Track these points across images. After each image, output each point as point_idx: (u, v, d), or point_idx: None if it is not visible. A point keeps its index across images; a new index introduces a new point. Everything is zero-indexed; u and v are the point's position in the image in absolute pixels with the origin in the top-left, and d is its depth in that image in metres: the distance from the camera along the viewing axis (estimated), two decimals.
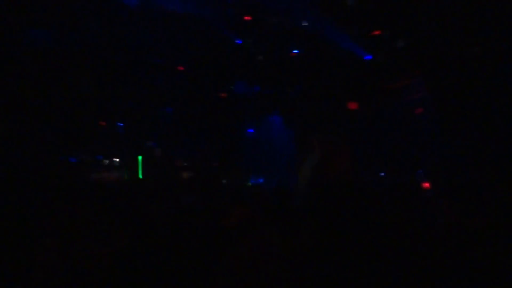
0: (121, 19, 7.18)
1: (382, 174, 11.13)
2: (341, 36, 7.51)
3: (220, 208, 4.43)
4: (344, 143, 6.90)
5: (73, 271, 2.97)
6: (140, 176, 8.32)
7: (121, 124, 10.29)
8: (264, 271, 2.94)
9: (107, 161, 9.09)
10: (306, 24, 7.52)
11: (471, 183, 2.98)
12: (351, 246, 2.57)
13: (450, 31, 7.41)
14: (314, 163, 6.32)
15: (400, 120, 10.35)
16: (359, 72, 8.31)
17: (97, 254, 3.19)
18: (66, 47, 6.47)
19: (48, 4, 6.00)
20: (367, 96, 8.53)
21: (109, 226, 3.62)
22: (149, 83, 8.42)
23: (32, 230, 3.33)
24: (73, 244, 3.10)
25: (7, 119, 5.48)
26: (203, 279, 3.00)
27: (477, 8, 6.68)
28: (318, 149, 6.53)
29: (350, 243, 2.64)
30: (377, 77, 8.63)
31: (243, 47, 7.33)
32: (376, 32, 6.73)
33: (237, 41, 7.04)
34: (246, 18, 6.53)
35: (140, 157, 8.59)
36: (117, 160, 9.08)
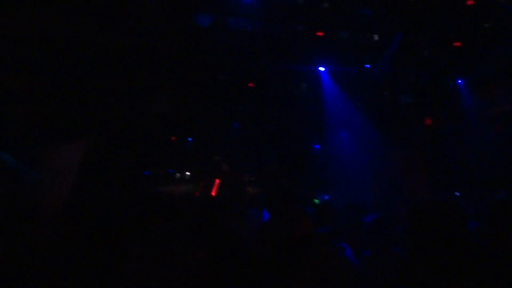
0: (194, 37, 7.46)
1: (457, 193, 10.48)
2: (414, 48, 7.26)
3: (290, 222, 4.38)
4: (422, 159, 6.57)
5: (163, 279, 3.06)
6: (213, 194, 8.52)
7: (190, 139, 10.64)
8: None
9: (178, 175, 9.43)
10: (378, 38, 7.37)
11: None
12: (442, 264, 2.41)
13: None
14: (391, 180, 6.08)
15: (478, 136, 9.73)
16: (434, 86, 7.97)
17: (182, 263, 3.26)
18: (143, 65, 6.82)
19: (125, 25, 6.37)
20: (443, 111, 8.13)
21: (189, 237, 3.70)
22: (219, 99, 8.64)
23: (123, 239, 3.48)
24: (162, 253, 3.19)
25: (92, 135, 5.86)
26: None
27: None
28: (394, 166, 6.29)
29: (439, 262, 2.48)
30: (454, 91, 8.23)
31: (310, 62, 7.31)
32: (457, 44, 6.42)
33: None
34: (318, 34, 6.53)
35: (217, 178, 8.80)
36: (188, 173, 9.37)
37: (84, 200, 4.63)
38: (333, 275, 2.98)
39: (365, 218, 4.14)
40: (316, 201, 11.39)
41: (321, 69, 7.63)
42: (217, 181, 9.13)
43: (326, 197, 12.13)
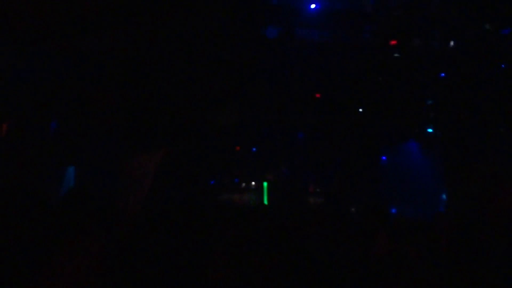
0: (262, 49, 7.54)
1: None
2: (495, 56, 6.80)
3: (362, 236, 4.21)
4: (508, 173, 6.06)
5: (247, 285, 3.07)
6: (265, 202, 8.50)
7: (254, 149, 10.72)
8: None
9: (243, 184, 9.53)
10: (453, 44, 7.00)
11: None
12: None
13: None
14: (471, 198, 5.67)
15: None
16: None
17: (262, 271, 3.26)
18: (212, 77, 6.99)
19: (197, 39, 6.56)
20: None
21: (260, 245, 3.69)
22: (285, 109, 8.65)
23: (207, 248, 3.55)
24: (243, 261, 3.21)
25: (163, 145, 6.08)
26: None
27: None
28: (474, 181, 5.87)
29: None
30: None
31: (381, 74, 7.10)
32: None
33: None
34: (392, 42, 6.32)
35: (265, 184, 8.77)
36: (253, 183, 9.44)
37: (158, 205, 4.80)
38: None
39: None
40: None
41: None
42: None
43: (393, 210, 11.67)
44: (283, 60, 7.73)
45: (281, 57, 7.64)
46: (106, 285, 2.28)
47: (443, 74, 7.02)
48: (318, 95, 8.12)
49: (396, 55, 6.38)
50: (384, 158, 12.33)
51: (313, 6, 7.13)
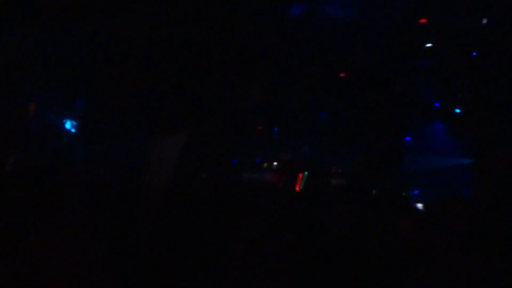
0: (286, 27, 7.41)
1: None
2: None
3: (386, 221, 4.16)
4: None
5: (260, 276, 3.10)
6: (302, 187, 8.50)
7: (276, 129, 10.70)
8: None
9: (265, 164, 9.54)
10: (486, 22, 6.71)
11: None
12: None
13: None
14: (500, 182, 5.54)
15: None
16: None
17: (278, 259, 3.27)
18: (237, 58, 6.93)
19: (221, 21, 6.50)
20: None
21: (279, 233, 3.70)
22: (310, 89, 8.56)
23: (221, 238, 3.58)
24: (257, 250, 3.23)
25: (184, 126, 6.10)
26: None
27: None
28: (505, 165, 5.72)
29: None
30: None
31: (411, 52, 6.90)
32: None
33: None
34: (421, 21, 6.11)
35: (306, 173, 8.74)
36: (275, 163, 9.44)
37: (183, 190, 4.86)
38: None
39: None
40: (404, 194, 10.89)
41: None
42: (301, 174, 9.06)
43: (416, 192, 11.55)
44: (308, 39, 7.59)
45: (306, 36, 7.50)
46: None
47: (474, 54, 6.78)
48: (342, 75, 7.99)
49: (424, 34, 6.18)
50: (408, 138, 12.15)
51: None
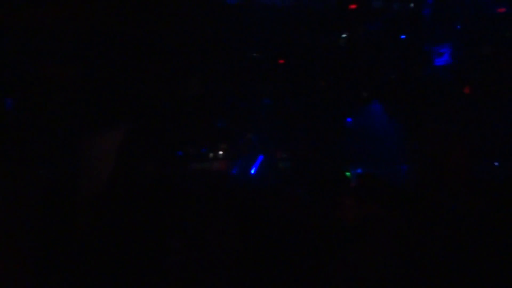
0: (221, 14, 7.37)
1: (497, 163, 10.17)
2: (452, 17, 6.92)
3: (331, 199, 4.30)
4: (462, 132, 6.31)
5: (203, 272, 3.09)
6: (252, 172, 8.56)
7: (220, 118, 10.65)
8: (381, 276, 2.77)
9: (211, 154, 9.52)
10: (413, 6, 7.05)
11: None
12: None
13: None
14: (428, 158, 5.88)
15: None
16: (473, 52, 7.61)
17: (223, 254, 3.28)
18: (175, 48, 6.81)
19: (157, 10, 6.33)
20: (483, 79, 7.78)
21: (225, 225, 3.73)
22: (250, 76, 8.58)
23: (161, 233, 3.53)
24: (201, 245, 3.22)
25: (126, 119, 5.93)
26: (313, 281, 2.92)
27: None
28: (431, 140, 6.07)
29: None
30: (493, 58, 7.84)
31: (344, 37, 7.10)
32: (501, 10, 6.07)
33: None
34: (351, 6, 6.30)
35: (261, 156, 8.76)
36: (221, 152, 9.44)
37: (124, 185, 4.72)
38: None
39: None
40: (348, 174, 11.28)
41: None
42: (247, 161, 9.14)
43: (359, 170, 12.00)
44: (245, 26, 7.59)
45: (243, 23, 7.50)
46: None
47: (403, 36, 7.12)
48: (281, 61, 8.09)
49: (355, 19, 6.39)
50: (349, 119, 12.55)
51: None
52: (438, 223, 3.79)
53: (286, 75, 8.60)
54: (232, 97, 9.36)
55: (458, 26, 6.58)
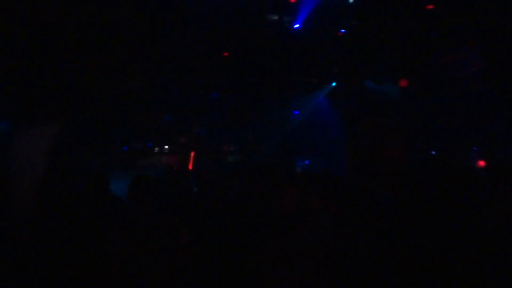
0: (161, 6, 7.19)
1: (433, 152, 10.73)
2: (389, 11, 7.16)
3: (272, 191, 4.38)
4: (396, 124, 6.62)
5: (144, 262, 3.05)
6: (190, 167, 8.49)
7: (167, 112, 10.47)
8: (315, 263, 2.86)
9: (157, 148, 9.35)
10: (352, 1, 7.21)
11: None
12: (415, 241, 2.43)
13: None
14: (365, 147, 6.13)
15: (452, 97, 9.86)
16: (409, 48, 7.94)
17: (165, 246, 3.25)
18: (115, 40, 6.58)
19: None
20: (418, 73, 8.15)
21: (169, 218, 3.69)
22: (194, 70, 8.47)
23: (104, 222, 3.44)
24: (144, 236, 3.17)
25: (61, 114, 5.69)
26: (251, 268, 2.97)
27: None
28: (370, 132, 6.33)
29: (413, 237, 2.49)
30: (428, 52, 8.22)
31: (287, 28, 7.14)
32: (430, 6, 6.37)
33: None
34: (291, 0, 6.36)
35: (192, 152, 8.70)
36: (166, 147, 9.30)
37: (60, 183, 4.55)
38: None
39: None
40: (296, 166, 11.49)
41: (296, 26, 7.42)
42: (193, 153, 9.07)
43: (307, 162, 12.27)
44: (188, 18, 7.45)
45: (185, 15, 7.36)
46: None
47: (343, 30, 7.28)
48: (226, 54, 8.04)
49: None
50: (296, 112, 12.77)
51: None
52: (373, 212, 3.95)
53: (232, 69, 8.58)
54: (178, 91, 9.22)
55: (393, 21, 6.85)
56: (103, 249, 3.22)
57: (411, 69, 7.82)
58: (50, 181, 4.20)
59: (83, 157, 6.26)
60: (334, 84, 8.71)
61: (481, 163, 9.17)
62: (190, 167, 8.61)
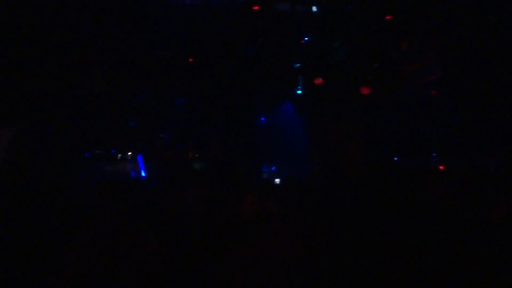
0: (129, 11, 7.12)
1: (396, 158, 11.04)
2: (351, 21, 7.36)
3: (235, 197, 4.39)
4: (357, 130, 6.79)
5: (110, 267, 2.97)
6: (143, 174, 8.36)
7: (133, 118, 10.30)
8: (276, 267, 2.88)
9: (119, 155, 9.16)
10: (316, 10, 7.37)
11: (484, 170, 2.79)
12: (371, 242, 2.49)
13: (464, 10, 7.22)
14: (327, 152, 6.24)
15: (414, 104, 10.20)
16: (371, 56, 8.16)
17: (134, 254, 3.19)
18: (76, 43, 6.45)
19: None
20: (380, 81, 8.39)
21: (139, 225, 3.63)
22: (160, 75, 8.39)
23: (70, 226, 3.34)
24: (110, 241, 3.10)
25: (20, 119, 5.52)
26: (213, 274, 2.97)
27: None
28: (331, 138, 6.46)
29: (369, 238, 2.55)
30: (390, 61, 8.48)
31: (253, 37, 7.21)
32: (388, 17, 6.59)
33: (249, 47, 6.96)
34: (254, 8, 6.42)
35: (140, 156, 8.58)
36: (130, 153, 9.14)
37: (18, 189, 4.39)
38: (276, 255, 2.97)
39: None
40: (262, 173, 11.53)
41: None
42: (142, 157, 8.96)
43: (273, 168, 12.35)
44: (154, 23, 7.40)
45: (151, 19, 7.31)
46: None
47: (307, 38, 7.41)
48: (191, 60, 8.01)
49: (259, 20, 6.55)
50: (263, 119, 12.84)
51: None
52: (332, 215, 4.01)
53: (197, 74, 8.55)
54: (142, 96, 9.10)
55: (355, 30, 7.03)
56: (65, 257, 3.14)
57: (374, 77, 8.04)
58: (4, 187, 4.06)
59: (42, 163, 6.06)
60: (299, 92, 8.85)
61: (441, 167, 9.50)
62: (143, 172, 8.49)
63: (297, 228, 3.42)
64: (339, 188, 4.43)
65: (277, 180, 8.62)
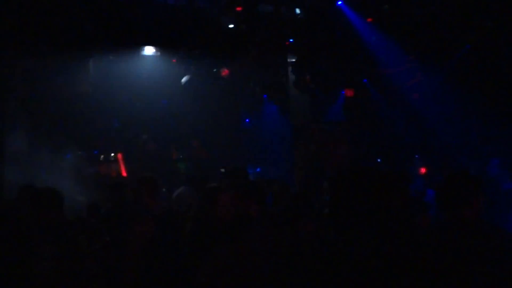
0: (112, 11, 7.04)
1: (379, 160, 11.13)
2: (336, 23, 7.41)
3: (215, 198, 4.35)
4: (341, 132, 6.82)
5: (71, 281, 2.91)
6: (124, 174, 8.24)
7: (116, 119, 10.19)
8: (256, 269, 2.86)
9: (102, 156, 9.03)
10: (299, 12, 7.40)
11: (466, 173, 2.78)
12: (354, 243, 2.47)
13: (446, 13, 7.33)
14: (311, 154, 6.26)
15: (396, 106, 10.31)
16: (355, 59, 8.24)
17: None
18: (60, 44, 6.36)
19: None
20: (363, 83, 8.48)
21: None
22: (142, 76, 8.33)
23: (30, 239, 3.26)
24: (72, 254, 3.03)
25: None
26: (192, 279, 2.94)
27: None
28: (315, 139, 6.47)
29: (352, 239, 2.54)
30: (372, 64, 8.57)
31: (236, 35, 7.18)
32: (369, 20, 6.65)
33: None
34: (237, 8, 6.40)
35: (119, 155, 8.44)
36: (112, 154, 9.02)
37: None
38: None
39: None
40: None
41: None
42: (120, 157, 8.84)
43: (258, 169, 12.33)
44: (137, 24, 7.34)
45: (133, 19, 7.24)
46: None
47: (291, 40, 7.44)
48: (174, 60, 7.97)
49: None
50: (247, 120, 12.84)
51: None
52: (313, 217, 4.01)
53: (182, 75, 8.50)
54: (126, 98, 9.02)
55: (339, 33, 7.08)
56: (28, 268, 3.07)
57: (357, 79, 8.13)
58: None
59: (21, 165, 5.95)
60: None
61: (423, 170, 9.59)
62: (124, 173, 8.38)
63: (276, 231, 3.42)
64: (320, 190, 4.45)
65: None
